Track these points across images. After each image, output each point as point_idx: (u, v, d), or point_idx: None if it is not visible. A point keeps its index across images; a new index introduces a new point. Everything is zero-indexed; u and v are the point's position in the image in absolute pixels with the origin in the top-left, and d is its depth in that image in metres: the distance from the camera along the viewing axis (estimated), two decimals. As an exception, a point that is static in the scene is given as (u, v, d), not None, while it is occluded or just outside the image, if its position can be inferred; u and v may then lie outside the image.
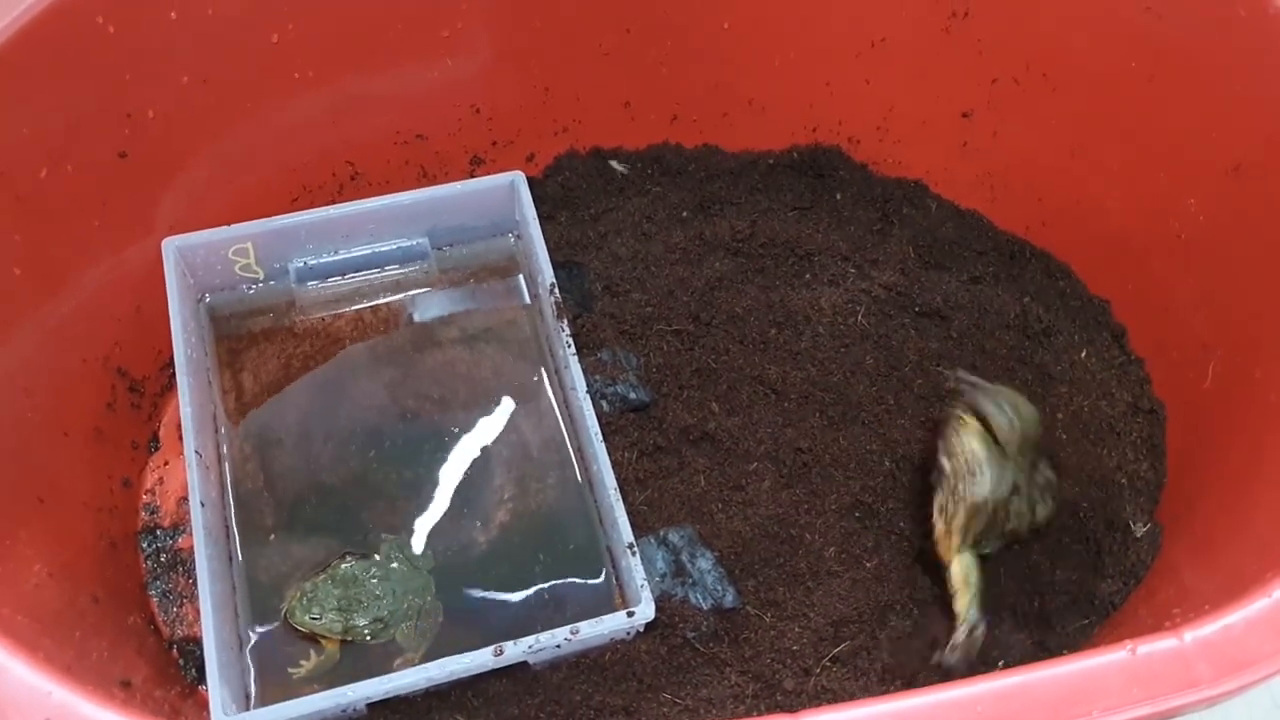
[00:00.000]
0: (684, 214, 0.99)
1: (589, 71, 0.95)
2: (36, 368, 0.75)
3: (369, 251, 0.91)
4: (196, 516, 0.73)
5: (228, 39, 0.82)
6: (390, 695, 0.70)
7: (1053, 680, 0.49)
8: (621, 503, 0.76)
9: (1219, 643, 0.50)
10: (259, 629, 0.76)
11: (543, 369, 0.89)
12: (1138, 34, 0.82)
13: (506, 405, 0.88)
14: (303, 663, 0.75)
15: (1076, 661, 0.49)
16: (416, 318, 0.92)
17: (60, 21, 0.72)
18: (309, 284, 0.91)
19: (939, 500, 0.77)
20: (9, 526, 0.67)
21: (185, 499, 0.86)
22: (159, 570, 0.83)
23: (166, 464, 0.88)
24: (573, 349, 0.83)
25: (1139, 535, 0.81)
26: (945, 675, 0.74)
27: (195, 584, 0.79)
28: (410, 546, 0.80)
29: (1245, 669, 0.49)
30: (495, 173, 0.92)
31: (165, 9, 0.77)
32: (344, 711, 0.70)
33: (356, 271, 0.92)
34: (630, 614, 0.71)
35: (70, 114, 0.75)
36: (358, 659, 0.76)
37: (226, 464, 0.83)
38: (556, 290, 0.86)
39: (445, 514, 0.82)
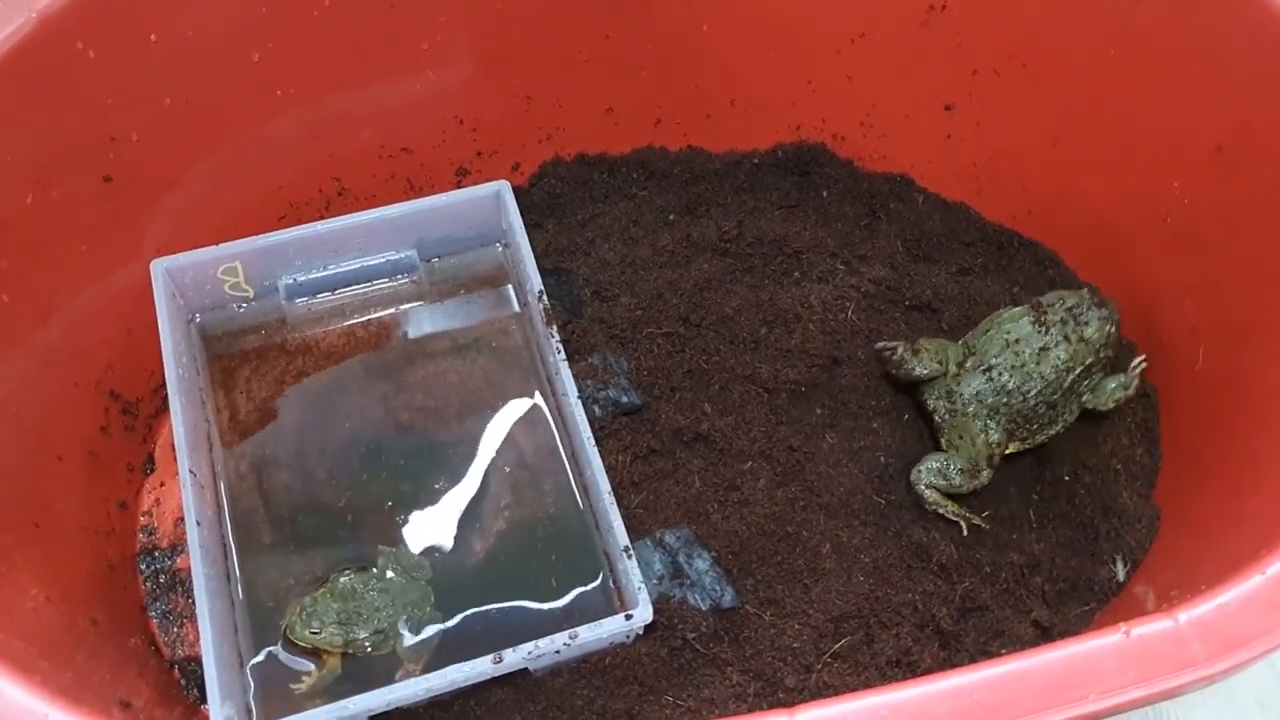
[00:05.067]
0: (671, 217, 0.99)
1: (570, 78, 0.96)
2: (27, 393, 0.76)
3: (358, 266, 0.91)
4: (193, 536, 0.73)
5: (208, 60, 0.82)
6: (392, 707, 0.70)
7: (1048, 665, 0.49)
8: (616, 506, 0.76)
9: (1213, 622, 0.50)
10: (260, 646, 0.76)
11: (534, 376, 0.89)
12: (1115, 21, 0.82)
13: (500, 414, 0.88)
14: (304, 678, 0.75)
15: (1071, 646, 0.49)
16: (407, 330, 0.92)
17: (40, 48, 0.72)
18: (299, 300, 0.91)
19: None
20: (4, 552, 0.67)
21: (183, 519, 0.85)
22: (158, 591, 0.83)
23: (163, 485, 0.88)
24: (563, 355, 0.83)
25: (1121, 579, 0.81)
26: None
27: (195, 604, 0.80)
28: (408, 558, 0.80)
29: (1240, 647, 0.49)
30: (481, 183, 0.92)
31: (145, 32, 0.78)
32: (346, 725, 0.70)
33: (346, 286, 0.92)
34: (628, 617, 0.71)
35: (53, 140, 0.76)
36: (359, 671, 0.76)
37: (222, 483, 0.83)
38: (545, 297, 0.86)
39: (442, 524, 0.82)
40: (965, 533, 0.82)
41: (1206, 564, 0.72)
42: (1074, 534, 0.83)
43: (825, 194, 1.01)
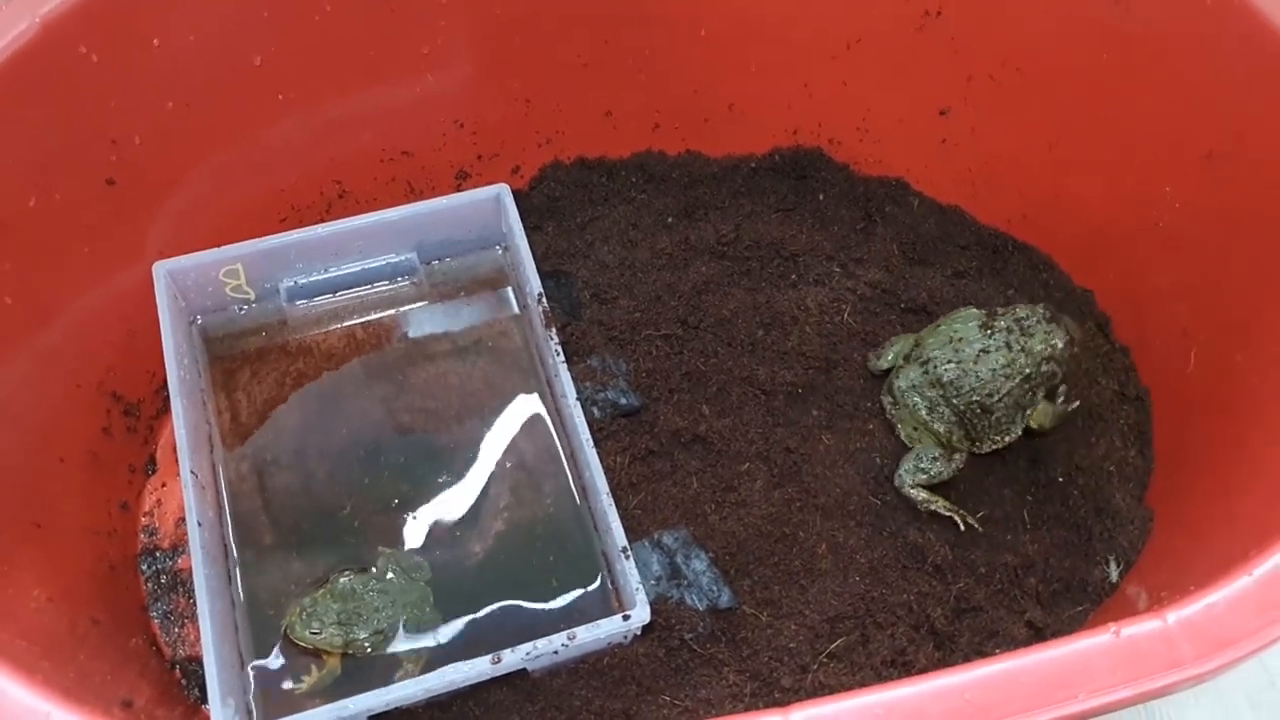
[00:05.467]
0: (669, 220, 1.00)
1: (570, 83, 0.96)
2: (30, 394, 0.76)
3: (358, 268, 0.92)
4: (194, 537, 0.74)
5: (210, 64, 0.83)
6: (391, 707, 0.71)
7: (1039, 665, 0.50)
8: (615, 507, 0.77)
9: (1201, 622, 0.51)
10: (260, 646, 0.77)
11: (534, 378, 0.90)
12: (1108, 27, 0.83)
13: (499, 416, 0.88)
14: (304, 678, 0.76)
15: (1061, 646, 0.50)
16: (408, 332, 0.92)
17: (44, 52, 0.73)
18: (300, 303, 0.92)
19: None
20: (6, 553, 0.68)
21: (183, 520, 0.86)
22: (159, 592, 0.84)
23: (164, 486, 0.88)
24: (562, 357, 0.84)
25: (1114, 580, 0.82)
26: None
27: (196, 604, 0.80)
28: (408, 558, 0.81)
29: (1228, 647, 0.50)
30: (481, 186, 0.93)
31: (147, 36, 0.78)
32: (346, 724, 0.71)
33: (347, 288, 0.93)
34: (626, 617, 0.72)
35: (57, 143, 0.76)
36: (358, 672, 0.76)
37: (223, 484, 0.84)
38: (545, 300, 0.87)
39: (441, 525, 0.83)
40: (962, 528, 0.82)
41: (1198, 565, 0.73)
42: (1067, 535, 0.84)
43: (821, 198, 1.02)
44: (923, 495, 0.83)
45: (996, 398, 0.81)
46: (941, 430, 0.82)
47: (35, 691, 0.49)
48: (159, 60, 0.80)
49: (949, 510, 0.82)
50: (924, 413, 0.83)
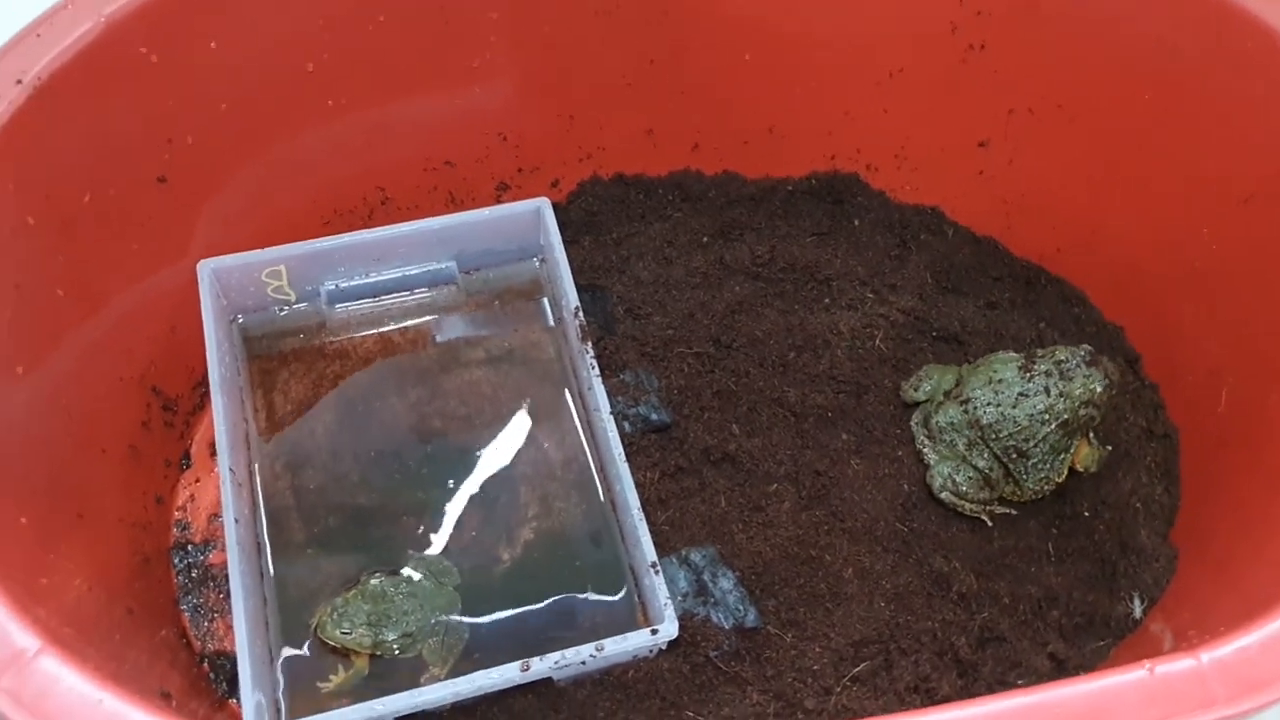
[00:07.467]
0: (705, 239, 1.01)
1: (613, 100, 0.98)
2: (76, 386, 0.77)
3: (398, 275, 0.93)
4: (230, 534, 0.75)
5: (265, 68, 0.84)
6: (419, 709, 0.71)
7: (1071, 699, 0.50)
8: (645, 522, 0.77)
9: (1235, 663, 0.51)
10: (290, 643, 0.78)
11: (566, 390, 0.91)
12: (1151, 68, 0.84)
13: (530, 425, 0.89)
14: (332, 677, 0.76)
15: (1095, 681, 0.51)
16: (443, 339, 0.94)
17: (105, 52, 0.74)
18: (339, 306, 0.93)
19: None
20: (53, 541, 0.69)
21: (216, 515, 0.87)
22: (190, 585, 0.85)
23: (198, 481, 0.90)
24: (597, 371, 0.85)
25: (1138, 616, 0.82)
26: None
27: (226, 599, 0.81)
28: (437, 563, 0.81)
29: (1261, 689, 0.50)
30: (521, 198, 0.94)
31: (205, 39, 0.80)
32: (372, 725, 0.72)
33: (386, 294, 0.94)
34: (654, 632, 0.73)
35: (114, 141, 0.78)
36: (385, 673, 0.77)
37: (258, 481, 0.85)
38: (581, 313, 0.88)
39: (471, 531, 0.84)
40: (990, 524, 0.84)
41: (1223, 604, 0.73)
42: (1092, 569, 0.84)
43: (857, 223, 1.03)
44: (951, 499, 0.84)
45: (1033, 442, 0.82)
46: (982, 466, 0.83)
47: (88, 678, 0.50)
48: (216, 63, 0.81)
49: (974, 512, 0.84)
50: (963, 448, 0.84)
